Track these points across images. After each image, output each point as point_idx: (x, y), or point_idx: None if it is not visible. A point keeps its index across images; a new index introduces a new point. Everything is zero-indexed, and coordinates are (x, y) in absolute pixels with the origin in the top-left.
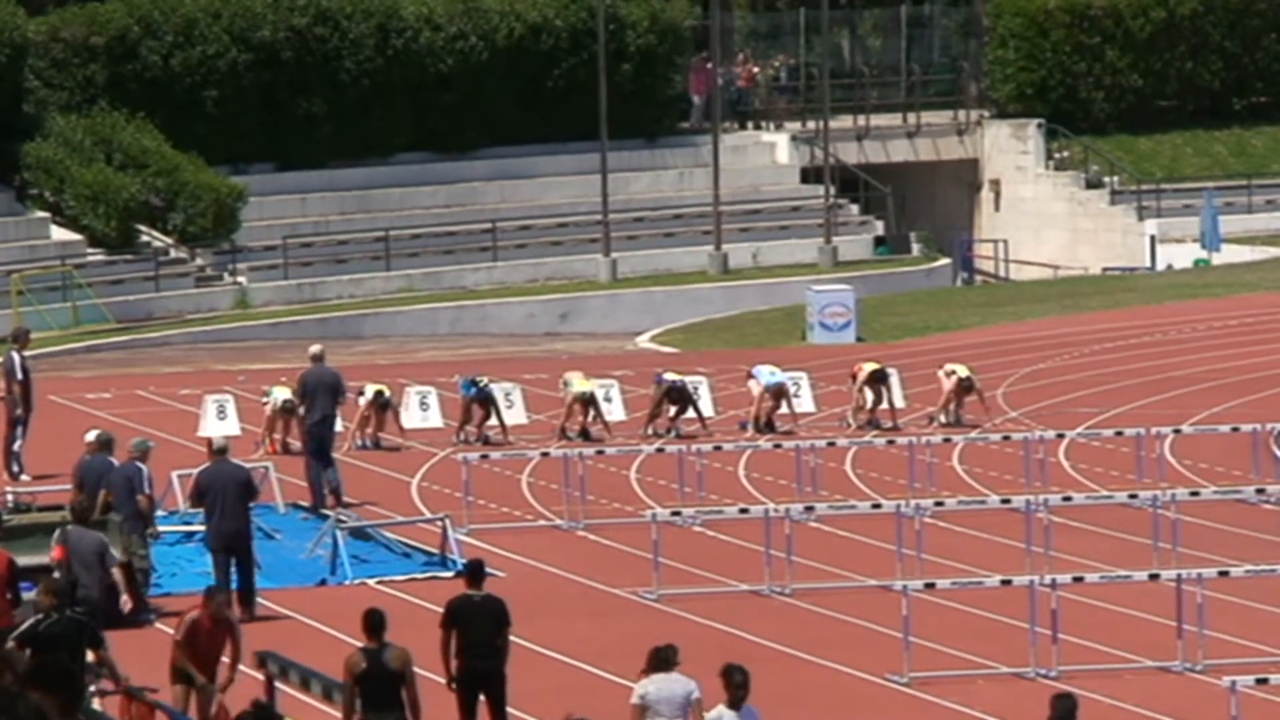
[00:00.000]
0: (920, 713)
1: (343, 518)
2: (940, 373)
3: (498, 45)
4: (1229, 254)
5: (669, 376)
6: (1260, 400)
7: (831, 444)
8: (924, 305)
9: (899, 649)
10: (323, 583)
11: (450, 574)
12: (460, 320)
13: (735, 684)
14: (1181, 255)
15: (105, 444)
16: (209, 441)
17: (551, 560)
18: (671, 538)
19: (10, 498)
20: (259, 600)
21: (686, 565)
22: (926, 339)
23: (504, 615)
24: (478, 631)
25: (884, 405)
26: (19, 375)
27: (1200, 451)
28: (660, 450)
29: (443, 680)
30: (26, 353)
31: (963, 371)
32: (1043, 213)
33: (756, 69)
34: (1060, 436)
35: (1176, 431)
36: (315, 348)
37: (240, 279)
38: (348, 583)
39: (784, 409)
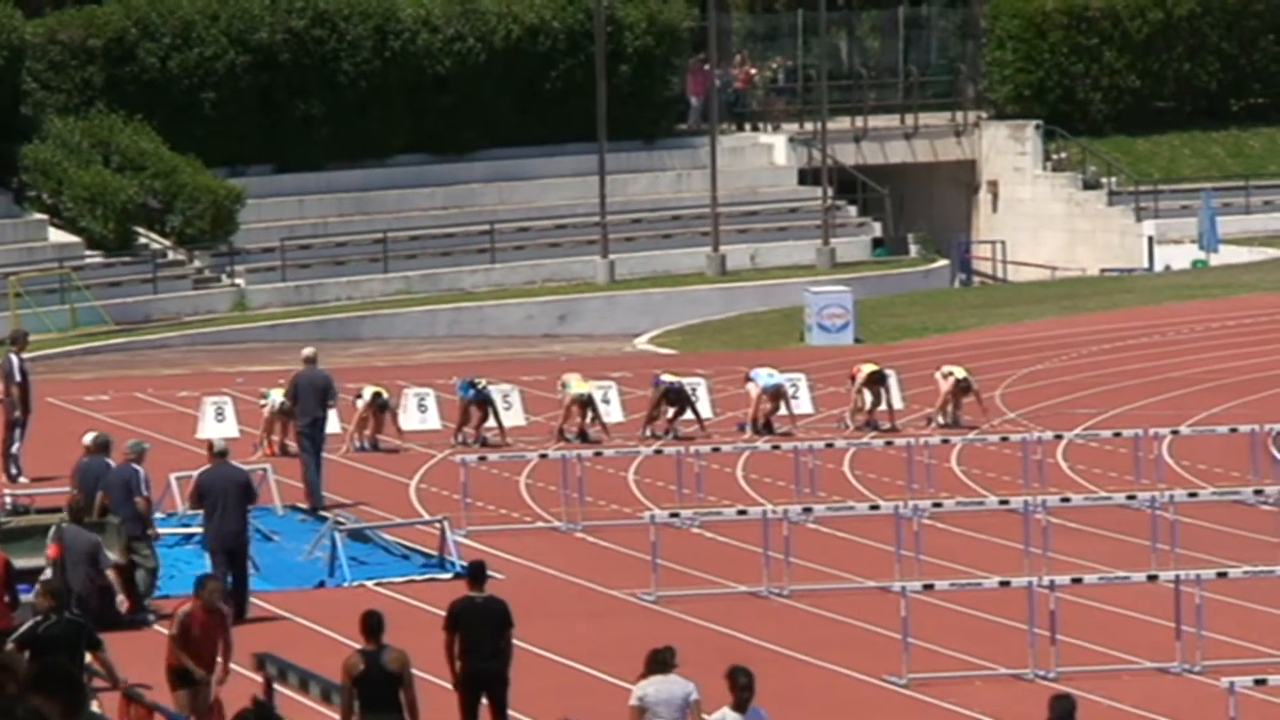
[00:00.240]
0: (919, 714)
1: (341, 520)
2: (938, 374)
3: (495, 47)
4: (1227, 255)
5: (666, 378)
6: (1258, 401)
7: (830, 445)
8: (922, 306)
9: (897, 650)
10: (321, 584)
11: (449, 576)
12: (458, 322)
13: (740, 686)
14: (1179, 256)
15: (103, 446)
16: (209, 444)
17: (550, 562)
18: (670, 539)
19: (9, 500)
20: (253, 602)
21: (685, 567)
22: (924, 340)
23: (506, 617)
24: (480, 633)
25: (882, 407)
26: (17, 377)
27: (1198, 452)
28: (658, 452)
29: (444, 682)
30: (25, 355)
31: (960, 373)
32: (1040, 214)
33: (754, 70)
34: (1058, 437)
35: (1175, 432)
36: (307, 350)
37: (238, 281)
38: (346, 585)
39: (782, 411)
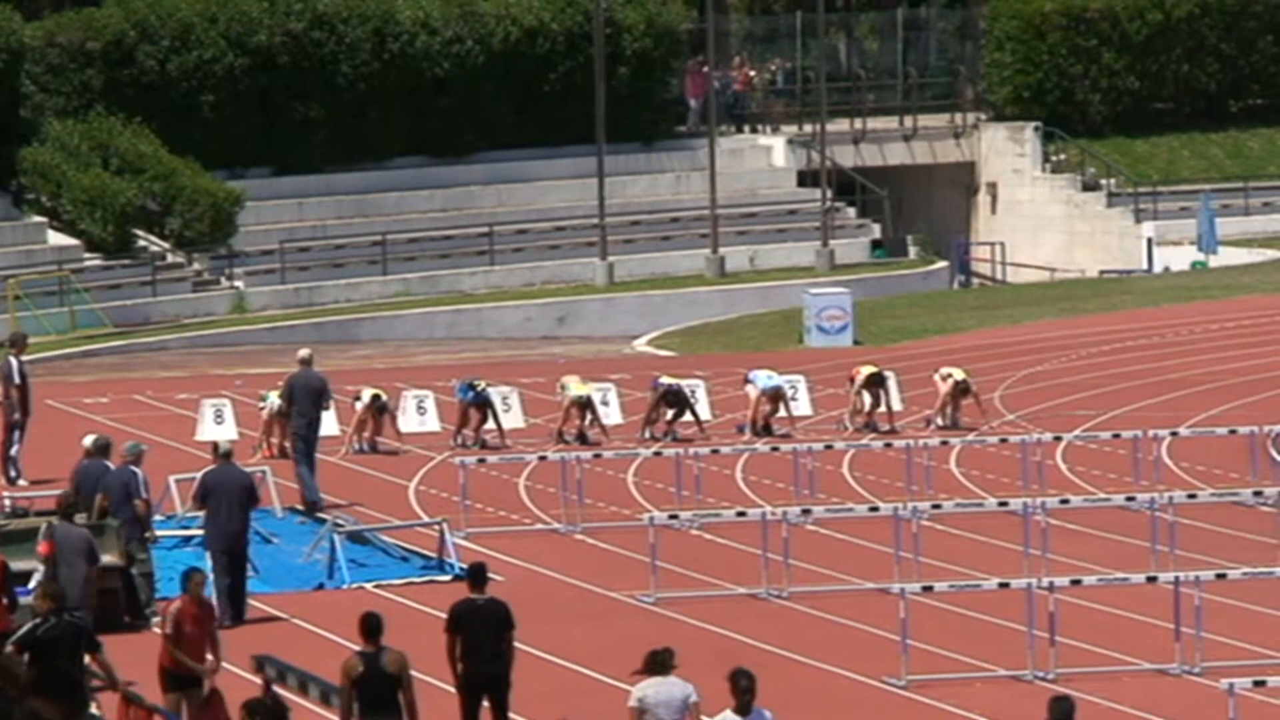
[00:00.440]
0: (918, 715)
1: (340, 522)
2: (936, 376)
3: (494, 49)
4: (1226, 256)
5: (665, 380)
6: (1258, 403)
7: (829, 447)
8: (921, 308)
9: (897, 652)
10: (320, 587)
11: (448, 578)
12: (457, 324)
13: (741, 689)
14: (1178, 258)
15: (102, 448)
16: (214, 444)
17: (549, 564)
18: (669, 541)
19: (8, 503)
20: (252, 604)
21: (684, 568)
22: (923, 342)
23: (507, 618)
24: (481, 635)
25: (881, 409)
26: (16, 380)
27: (1198, 454)
28: (657, 454)
29: (441, 683)
30: (24, 357)
31: (959, 375)
32: (1039, 215)
33: (753, 72)
34: (1057, 439)
35: (1174, 434)
36: (303, 351)
37: (237, 283)
38: (345, 587)
39: (781, 413)
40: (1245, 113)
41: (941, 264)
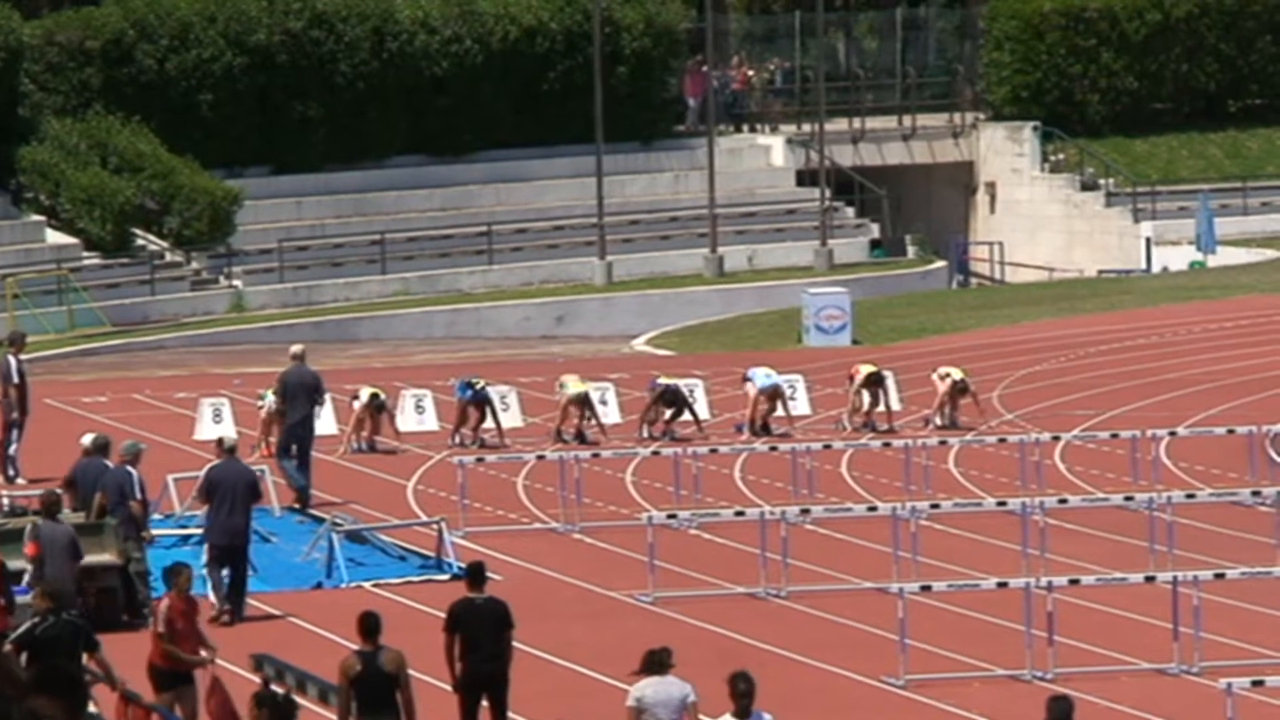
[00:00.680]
0: (916, 715)
1: (339, 521)
2: (934, 375)
3: (493, 48)
4: (1224, 256)
5: (662, 381)
6: (1256, 402)
7: (827, 446)
8: (919, 308)
9: (895, 651)
10: (319, 586)
11: (446, 577)
12: (456, 323)
13: (739, 693)
14: (1177, 257)
15: (101, 447)
16: (219, 440)
17: (547, 563)
18: (667, 540)
19: (6, 502)
20: (251, 603)
21: (682, 568)
22: (922, 341)
23: (506, 618)
24: (480, 634)
25: (880, 408)
26: (15, 379)
27: (1196, 454)
28: (656, 453)
29: (440, 683)
30: (23, 356)
31: (957, 374)
32: (1038, 215)
33: (752, 72)
34: (1056, 439)
35: (1172, 434)
36: (296, 347)
37: (236, 282)
38: (344, 586)
39: (780, 412)
40: (1244, 112)
41: (940, 264)
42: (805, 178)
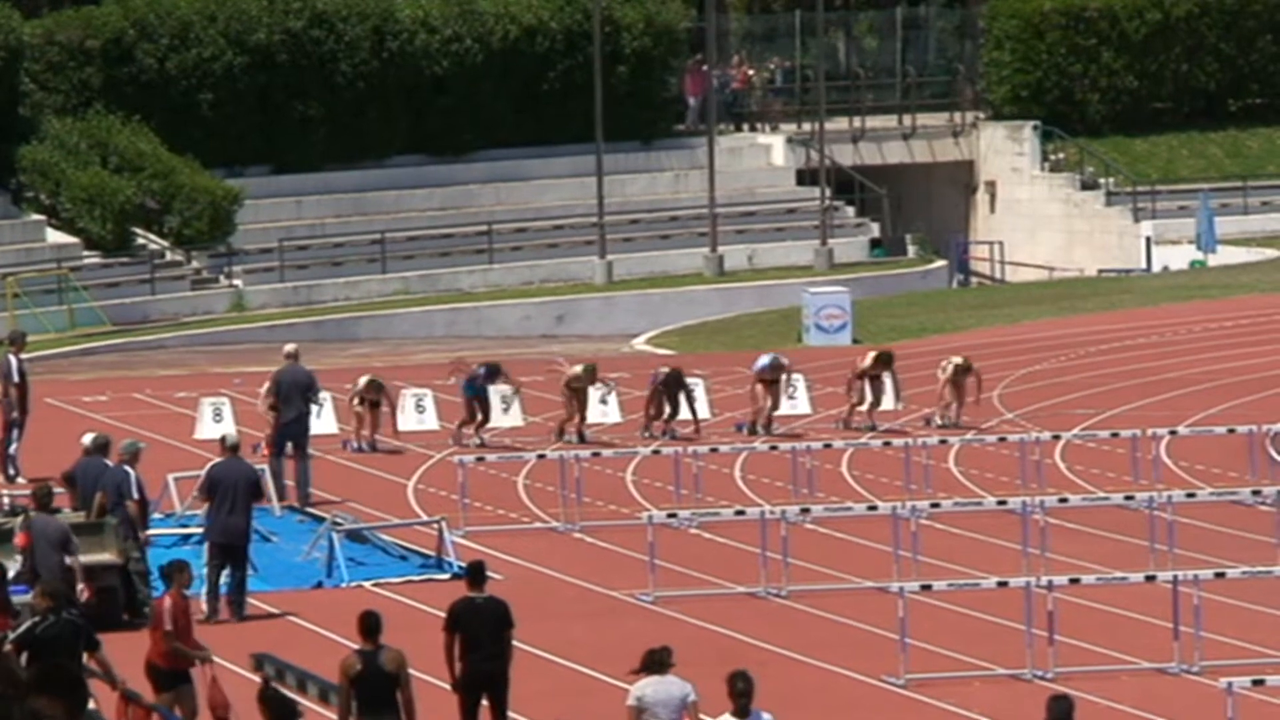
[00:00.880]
0: (917, 714)
1: (339, 520)
2: (938, 370)
3: (493, 48)
4: (1224, 255)
5: (662, 370)
6: (1256, 402)
7: (828, 446)
8: (919, 307)
9: (895, 651)
10: (319, 585)
11: (446, 576)
12: (456, 322)
13: (738, 692)
14: (1177, 257)
15: (101, 447)
16: (222, 438)
17: (548, 562)
18: (667, 540)
19: (6, 501)
20: (251, 602)
21: (682, 567)
22: (922, 341)
23: (506, 617)
24: (480, 634)
25: (881, 407)
26: (15, 378)
27: (1196, 453)
28: (656, 453)
29: (441, 682)
30: (23, 355)
31: (957, 359)
32: (1038, 214)
33: (752, 71)
34: (1056, 438)
35: (1172, 433)
36: (289, 346)
37: (236, 282)
38: (344, 585)
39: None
40: (1244, 112)
41: (940, 263)
42: (805, 177)
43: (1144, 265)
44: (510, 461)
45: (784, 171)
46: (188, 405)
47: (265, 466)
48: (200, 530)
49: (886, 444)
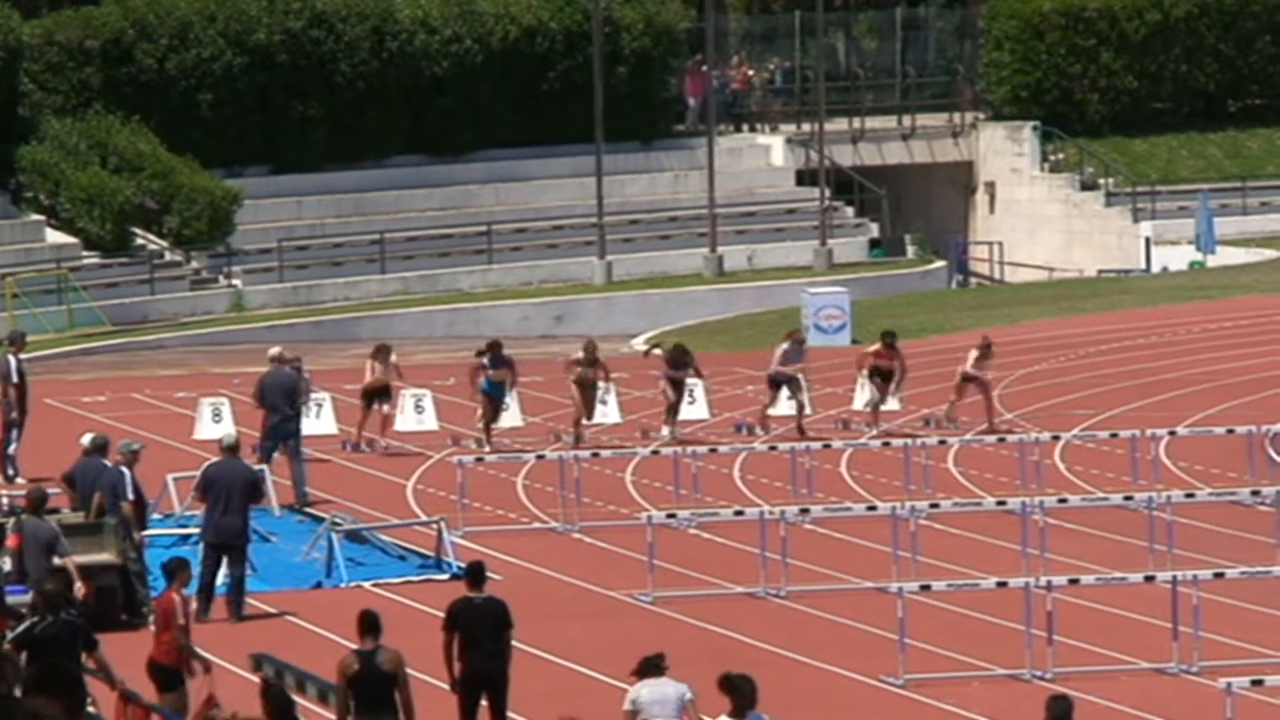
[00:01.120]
0: (916, 714)
1: (338, 520)
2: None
3: (493, 48)
4: (1224, 256)
5: (656, 351)
6: (1256, 402)
7: (827, 446)
8: (919, 308)
9: (894, 651)
10: (318, 585)
11: (445, 576)
12: (455, 323)
13: (736, 691)
14: (1177, 257)
15: (100, 447)
16: (221, 439)
17: (547, 563)
18: (667, 540)
19: (5, 502)
20: (250, 602)
21: (682, 568)
22: (921, 341)
23: (505, 617)
24: (479, 634)
25: (885, 406)
26: (14, 378)
27: (1196, 453)
28: (656, 453)
29: (440, 682)
30: (22, 355)
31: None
32: (1038, 215)
33: (751, 71)
34: (1055, 438)
35: (1172, 434)
36: (274, 349)
37: (235, 282)
38: (343, 585)
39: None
40: (1244, 112)
41: (939, 263)
42: (805, 177)
43: (1143, 266)
44: (509, 462)
45: (783, 172)
46: (187, 405)
47: (264, 467)
48: (199, 530)
49: (886, 444)
